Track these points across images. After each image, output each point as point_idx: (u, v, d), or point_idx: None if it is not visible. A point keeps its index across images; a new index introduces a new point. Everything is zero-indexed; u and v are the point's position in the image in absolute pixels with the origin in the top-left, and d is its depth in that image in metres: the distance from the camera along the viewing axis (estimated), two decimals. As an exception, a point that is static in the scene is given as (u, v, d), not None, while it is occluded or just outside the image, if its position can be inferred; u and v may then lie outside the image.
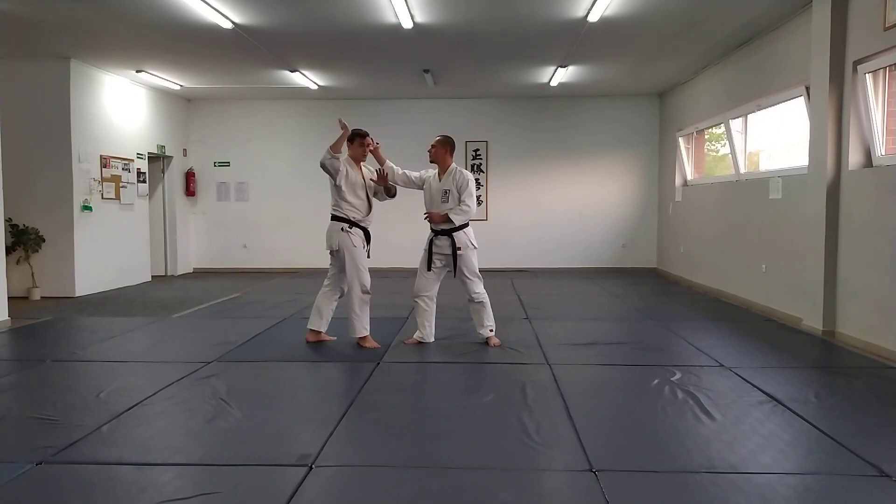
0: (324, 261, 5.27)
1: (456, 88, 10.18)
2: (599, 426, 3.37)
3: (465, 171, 5.15)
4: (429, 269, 5.15)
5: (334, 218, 5.07)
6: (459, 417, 3.48)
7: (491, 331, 5.20)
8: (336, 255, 5.10)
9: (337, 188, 4.99)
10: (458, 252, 5.03)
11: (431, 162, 5.22)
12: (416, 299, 5.22)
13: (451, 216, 5.03)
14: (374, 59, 8.12)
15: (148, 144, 9.91)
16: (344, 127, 4.92)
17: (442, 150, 5.16)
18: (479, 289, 5.15)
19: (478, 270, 5.16)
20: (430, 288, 5.20)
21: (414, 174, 5.28)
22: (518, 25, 6.66)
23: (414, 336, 5.26)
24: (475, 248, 5.14)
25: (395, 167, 5.26)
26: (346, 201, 5.02)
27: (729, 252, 7.87)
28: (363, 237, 5.11)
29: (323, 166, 4.91)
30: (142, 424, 3.36)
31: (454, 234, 5.05)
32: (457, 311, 6.88)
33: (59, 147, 8.07)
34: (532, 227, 10.70)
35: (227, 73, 8.95)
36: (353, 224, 5.04)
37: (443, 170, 5.16)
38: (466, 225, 5.11)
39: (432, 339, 5.27)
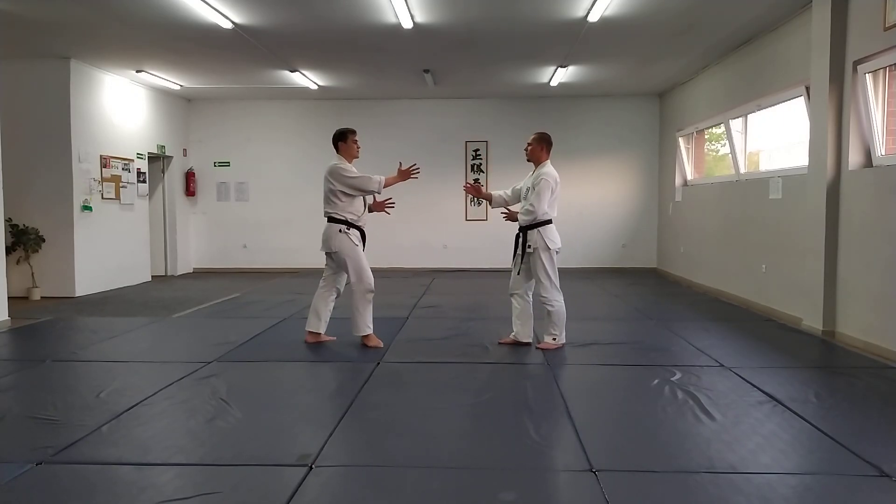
0: (324, 260, 5.26)
1: (456, 88, 10.18)
2: (599, 426, 3.37)
3: (549, 170, 4.98)
4: (514, 264, 5.12)
5: (331, 220, 5.04)
6: (459, 417, 3.48)
7: (553, 339, 5.02)
8: (334, 256, 5.08)
9: (340, 193, 4.96)
10: (528, 250, 4.96)
11: (529, 161, 5.14)
12: (510, 297, 5.16)
13: (519, 216, 5.01)
14: (374, 59, 8.12)
15: (148, 144, 9.91)
16: (405, 175, 5.06)
17: (538, 148, 5.06)
18: (545, 293, 4.93)
19: (551, 273, 4.93)
20: (520, 285, 5.09)
21: (513, 188, 5.25)
22: (518, 25, 6.66)
23: (509, 336, 5.20)
24: (549, 249, 4.92)
25: (501, 195, 5.27)
26: (346, 204, 5.00)
27: (729, 252, 7.87)
28: (359, 237, 5.09)
29: (363, 189, 4.96)
30: (142, 424, 3.36)
31: (528, 231, 4.97)
32: (457, 310, 6.89)
33: (59, 147, 8.07)
34: (532, 227, 10.81)
35: (227, 73, 8.95)
36: (350, 225, 5.03)
37: (536, 167, 5.08)
38: (545, 223, 4.94)
39: (527, 340, 5.12)
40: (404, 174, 5.09)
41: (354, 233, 5.04)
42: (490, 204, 5.41)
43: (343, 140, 5.09)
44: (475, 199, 11.01)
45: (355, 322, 5.08)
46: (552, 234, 4.97)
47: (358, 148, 5.15)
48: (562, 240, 5.07)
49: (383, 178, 5.04)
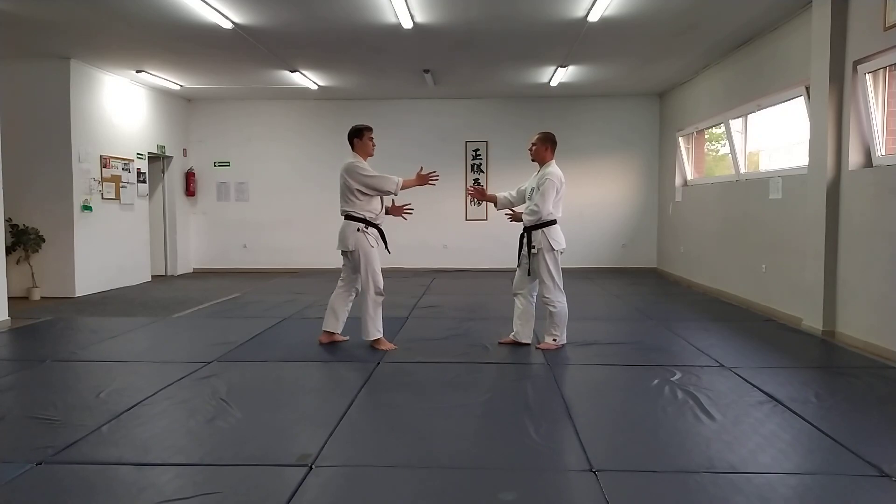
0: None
1: (456, 88, 10.19)
2: (599, 426, 3.37)
3: (553, 170, 4.96)
4: (518, 264, 5.11)
5: (349, 218, 4.97)
6: (459, 417, 3.48)
7: (554, 340, 5.00)
8: (351, 255, 5.01)
9: (357, 191, 4.90)
10: (532, 251, 4.94)
11: (533, 161, 5.13)
12: (513, 297, 5.17)
13: (523, 216, 5.00)
14: (374, 59, 8.12)
15: (148, 144, 9.91)
16: (423, 180, 5.03)
17: (542, 147, 5.04)
18: (548, 294, 4.91)
19: (554, 274, 4.91)
20: (524, 285, 5.09)
21: (518, 189, 5.23)
22: (518, 25, 6.66)
23: (509, 336, 5.19)
24: (554, 249, 4.90)
25: (506, 196, 5.26)
26: (364, 203, 4.94)
27: (729, 252, 7.87)
28: (378, 236, 5.04)
29: (380, 189, 4.92)
30: (142, 424, 3.36)
31: (532, 232, 4.95)
32: (457, 310, 6.89)
33: (59, 147, 8.07)
34: (532, 227, 10.81)
35: (227, 73, 8.95)
36: (368, 224, 4.98)
37: (540, 166, 5.07)
38: (549, 224, 4.93)
39: (527, 341, 5.12)
40: (423, 179, 5.03)
41: (373, 232, 4.98)
42: (495, 206, 5.39)
43: (359, 137, 5.03)
44: (476, 199, 11.02)
45: (365, 326, 5.01)
46: (556, 234, 4.95)
47: (373, 146, 5.10)
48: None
49: (401, 179, 4.99)
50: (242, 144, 11.25)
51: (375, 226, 5.02)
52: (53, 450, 3.00)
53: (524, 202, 5.18)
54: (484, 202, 10.76)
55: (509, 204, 5.29)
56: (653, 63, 8.42)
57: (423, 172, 5.06)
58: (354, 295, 5.21)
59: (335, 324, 5.17)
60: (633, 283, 9.42)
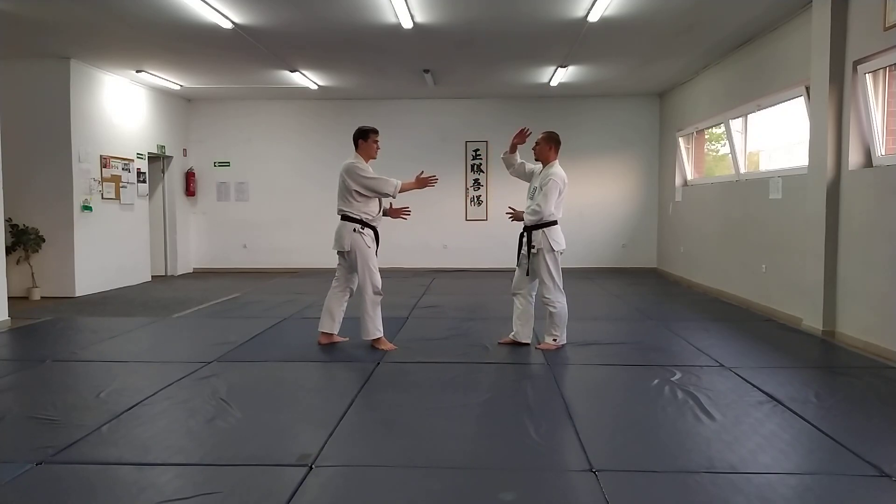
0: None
1: (456, 88, 10.19)
2: (599, 426, 3.37)
3: (557, 170, 4.95)
4: (518, 264, 5.10)
5: (345, 218, 4.98)
6: (459, 417, 3.48)
7: (554, 340, 4.99)
8: (346, 255, 5.01)
9: (356, 192, 4.91)
10: (532, 251, 4.93)
11: (537, 160, 5.11)
12: (512, 297, 5.16)
13: (524, 215, 5.00)
14: (374, 59, 8.12)
15: (148, 144, 9.91)
16: (422, 183, 5.04)
17: (546, 147, 5.02)
18: (548, 294, 4.92)
19: (554, 274, 4.91)
20: (523, 285, 5.07)
21: (528, 166, 5.20)
22: (518, 25, 6.66)
23: (509, 336, 5.17)
24: (554, 250, 4.89)
25: (517, 158, 5.24)
26: (362, 204, 4.95)
27: (729, 252, 7.87)
28: (373, 237, 5.04)
29: (379, 191, 4.94)
30: (142, 424, 3.36)
31: (533, 231, 4.94)
32: (457, 310, 6.89)
33: (59, 147, 8.07)
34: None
35: (227, 73, 8.95)
36: (364, 224, 4.98)
37: (544, 166, 5.05)
38: (550, 224, 4.92)
39: (526, 341, 5.11)
40: (422, 182, 5.04)
41: (369, 233, 4.98)
42: (509, 151, 5.17)
43: (364, 138, 5.03)
44: (476, 197, 11.01)
45: (365, 326, 5.01)
46: (557, 235, 4.95)
47: (377, 149, 5.10)
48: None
49: (400, 182, 5.00)
50: (242, 144, 11.25)
51: (372, 227, 5.03)
52: (53, 450, 3.00)
53: (523, 176, 5.19)
54: (482, 200, 10.78)
55: (512, 164, 5.22)
56: (653, 63, 8.42)
57: (423, 175, 5.06)
58: (349, 295, 5.21)
59: (331, 324, 5.17)
60: (633, 283, 9.42)
